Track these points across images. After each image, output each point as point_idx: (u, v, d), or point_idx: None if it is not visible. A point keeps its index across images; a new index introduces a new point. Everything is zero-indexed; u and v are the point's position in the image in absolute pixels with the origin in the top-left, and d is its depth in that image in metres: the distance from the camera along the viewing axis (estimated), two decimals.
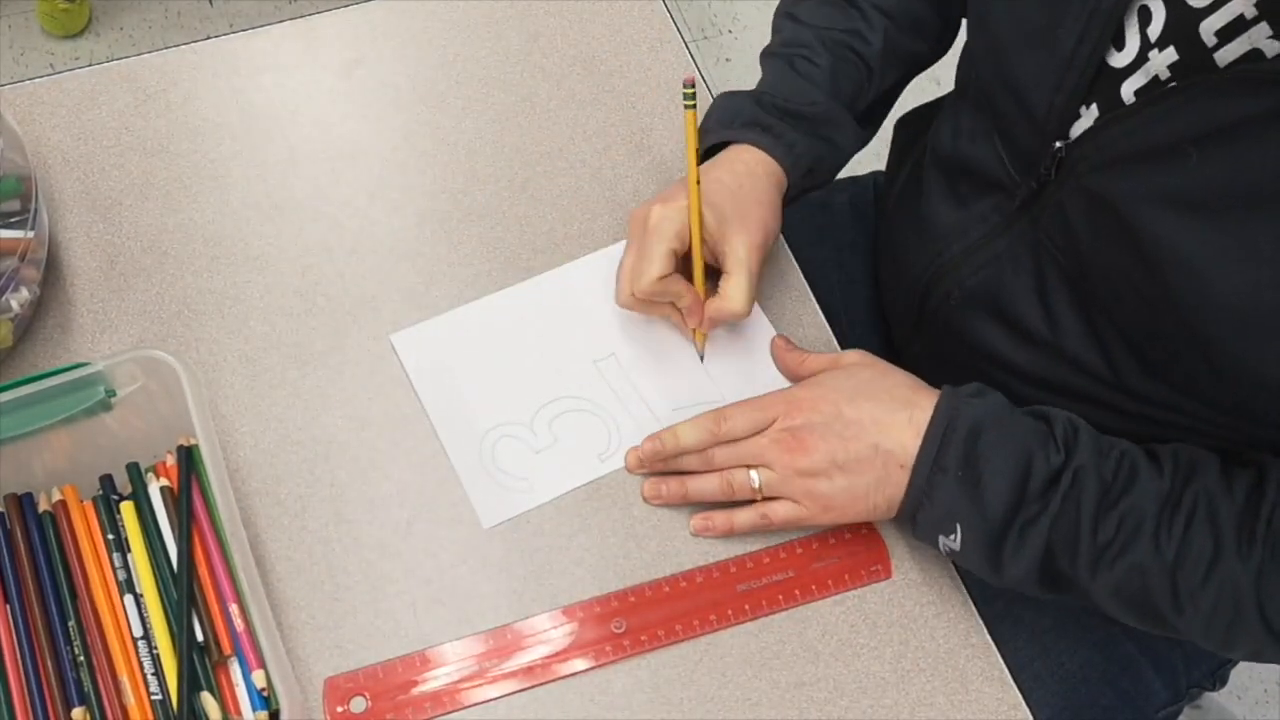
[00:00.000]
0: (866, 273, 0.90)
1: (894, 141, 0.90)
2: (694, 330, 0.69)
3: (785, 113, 0.70)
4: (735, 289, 0.66)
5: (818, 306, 0.74)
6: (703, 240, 0.66)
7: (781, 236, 0.76)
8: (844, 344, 0.73)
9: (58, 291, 0.69)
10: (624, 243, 0.74)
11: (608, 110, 0.79)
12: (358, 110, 0.78)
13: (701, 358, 0.70)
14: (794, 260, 0.75)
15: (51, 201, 0.72)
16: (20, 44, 1.72)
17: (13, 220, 0.64)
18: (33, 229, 0.64)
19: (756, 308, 0.73)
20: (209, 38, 0.79)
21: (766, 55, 0.75)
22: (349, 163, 0.75)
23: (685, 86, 0.64)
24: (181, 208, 0.73)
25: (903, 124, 0.90)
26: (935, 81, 0.86)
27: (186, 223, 0.72)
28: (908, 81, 0.80)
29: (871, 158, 0.79)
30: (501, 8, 0.83)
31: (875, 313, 0.89)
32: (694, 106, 0.64)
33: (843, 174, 0.99)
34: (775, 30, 0.77)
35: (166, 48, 0.79)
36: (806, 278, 0.75)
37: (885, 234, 0.85)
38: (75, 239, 0.71)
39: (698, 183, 0.65)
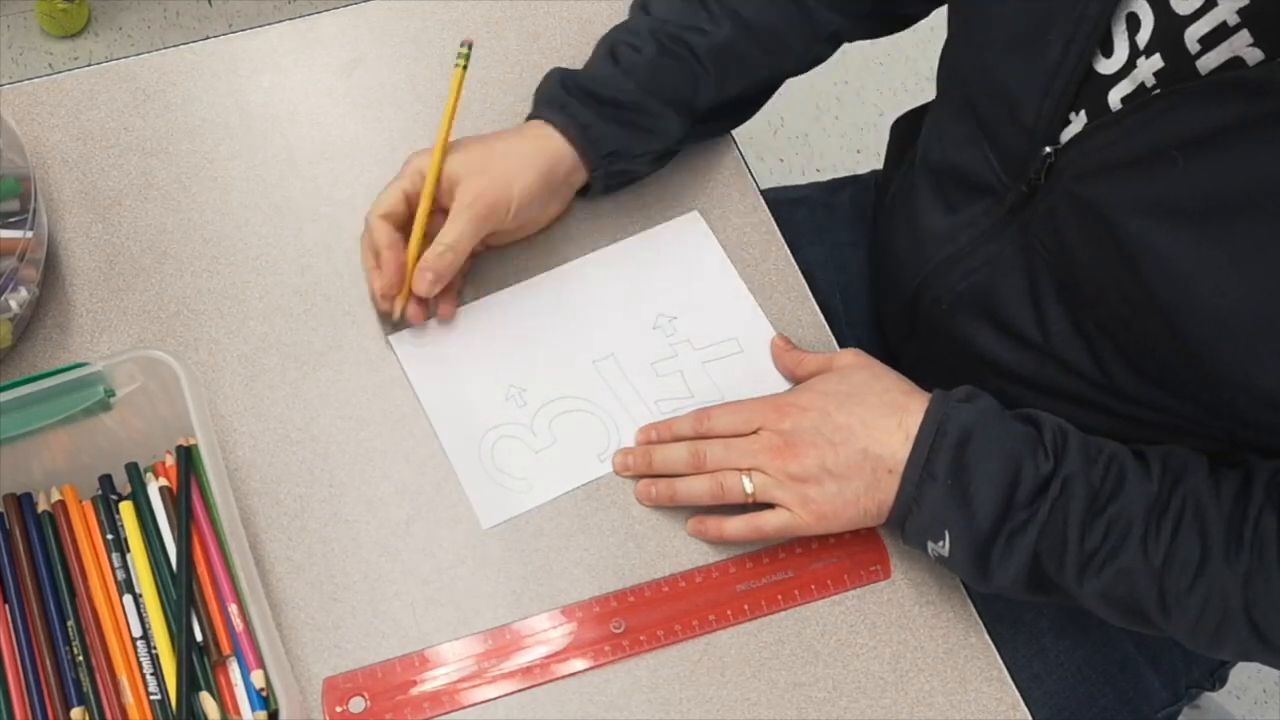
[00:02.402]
0: (865, 273, 0.90)
1: (890, 143, 0.90)
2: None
3: (588, 95, 0.69)
4: (446, 228, 0.65)
5: (816, 306, 0.74)
6: (437, 194, 0.66)
7: (780, 236, 0.76)
8: (843, 345, 0.73)
9: (57, 291, 0.69)
10: (624, 243, 0.74)
11: None
12: (356, 110, 0.78)
13: (396, 315, 0.67)
14: (793, 260, 0.75)
15: (51, 201, 0.72)
16: (19, 44, 1.72)
17: (12, 220, 0.64)
18: (32, 229, 0.64)
19: (756, 308, 0.73)
20: (208, 38, 0.79)
21: (600, 41, 0.73)
22: (348, 163, 0.75)
23: (461, 46, 0.64)
24: (181, 208, 0.73)
25: (898, 125, 0.89)
26: (932, 81, 0.86)
27: (186, 223, 0.72)
28: (767, 95, 0.77)
29: (872, 157, 0.79)
30: (501, 8, 0.83)
31: (874, 313, 0.88)
32: (465, 67, 0.66)
33: (843, 173, 0.99)
34: (628, 18, 0.75)
35: (165, 48, 0.78)
36: (806, 277, 0.75)
37: (879, 237, 0.85)
38: (74, 239, 0.71)
39: (445, 141, 0.65)
